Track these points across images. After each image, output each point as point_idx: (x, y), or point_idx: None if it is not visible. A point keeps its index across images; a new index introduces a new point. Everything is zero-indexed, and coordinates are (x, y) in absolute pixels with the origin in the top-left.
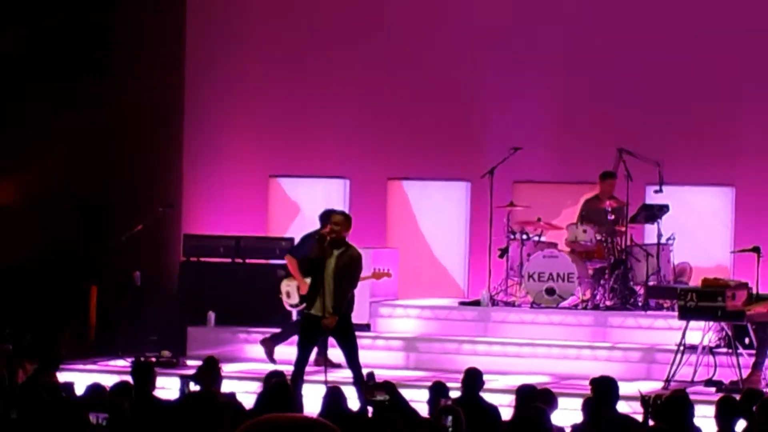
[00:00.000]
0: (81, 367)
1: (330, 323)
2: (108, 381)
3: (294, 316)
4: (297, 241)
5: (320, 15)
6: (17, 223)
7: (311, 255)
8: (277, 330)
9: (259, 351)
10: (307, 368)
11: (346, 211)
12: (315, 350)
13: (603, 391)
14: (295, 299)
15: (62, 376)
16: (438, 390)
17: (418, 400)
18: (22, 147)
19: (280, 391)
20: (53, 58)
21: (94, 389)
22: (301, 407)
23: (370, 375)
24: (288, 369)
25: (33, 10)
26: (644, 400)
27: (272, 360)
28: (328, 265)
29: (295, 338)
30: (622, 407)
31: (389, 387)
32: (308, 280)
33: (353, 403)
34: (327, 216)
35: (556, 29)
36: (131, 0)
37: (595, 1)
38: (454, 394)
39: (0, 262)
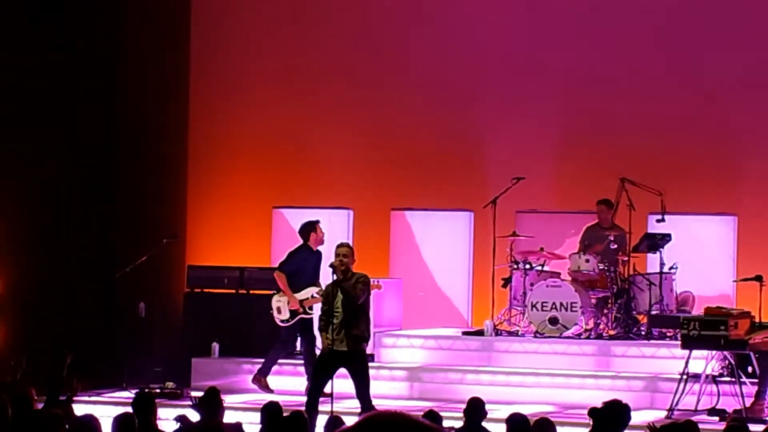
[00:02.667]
0: (85, 399)
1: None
2: (112, 413)
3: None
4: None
5: (324, 47)
6: (20, 255)
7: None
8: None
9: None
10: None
11: (350, 241)
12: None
13: (612, 416)
14: (286, 314)
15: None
16: (431, 420)
17: None
18: (21, 180)
19: (282, 420)
20: (56, 85)
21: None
22: None
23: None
24: (287, 399)
25: (27, 45)
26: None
27: (270, 391)
28: (337, 296)
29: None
30: None
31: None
32: (298, 295)
33: None
34: (307, 228)
35: (558, 59)
36: (135, 29)
37: (597, 31)
38: (457, 424)
39: (4, 294)
